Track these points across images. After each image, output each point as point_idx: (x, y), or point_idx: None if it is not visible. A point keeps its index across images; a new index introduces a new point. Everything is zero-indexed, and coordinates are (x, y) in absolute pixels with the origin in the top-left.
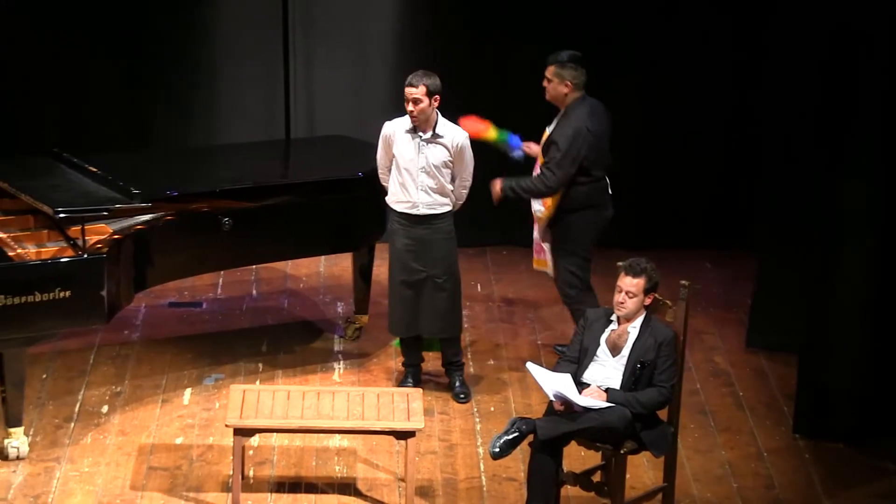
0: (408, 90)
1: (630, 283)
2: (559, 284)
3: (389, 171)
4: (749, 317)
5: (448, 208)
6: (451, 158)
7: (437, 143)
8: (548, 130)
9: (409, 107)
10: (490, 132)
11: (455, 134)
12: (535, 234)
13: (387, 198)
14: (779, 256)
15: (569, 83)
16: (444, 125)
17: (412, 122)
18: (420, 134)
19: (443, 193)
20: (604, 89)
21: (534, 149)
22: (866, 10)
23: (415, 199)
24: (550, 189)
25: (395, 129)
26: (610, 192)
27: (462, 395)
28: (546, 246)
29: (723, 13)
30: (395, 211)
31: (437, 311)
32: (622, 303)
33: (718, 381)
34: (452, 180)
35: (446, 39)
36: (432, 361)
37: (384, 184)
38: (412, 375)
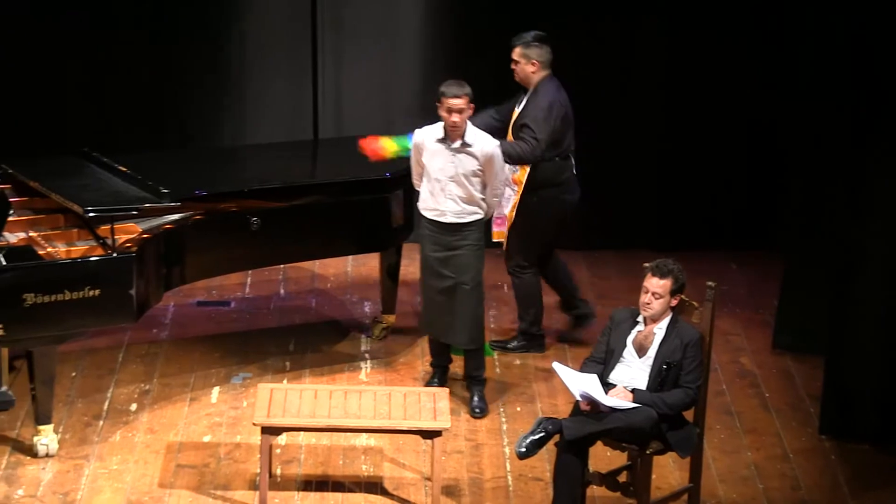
0: (451, 101)
1: (656, 284)
2: (509, 259)
3: (422, 178)
4: (775, 318)
5: (477, 217)
6: (480, 167)
7: (466, 153)
8: (516, 111)
9: (454, 118)
10: (388, 147)
11: (484, 143)
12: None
13: (418, 203)
14: (805, 258)
15: (535, 62)
16: (472, 134)
17: (452, 132)
18: (450, 143)
19: (472, 202)
20: (627, 89)
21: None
22: (893, 8)
23: (443, 207)
24: (536, 155)
25: (425, 138)
26: (575, 172)
27: (478, 410)
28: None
29: (748, 12)
30: (425, 217)
31: (464, 321)
32: (648, 303)
33: (744, 382)
34: (484, 188)
35: (474, 37)
36: (459, 361)
37: (419, 189)
38: (439, 376)
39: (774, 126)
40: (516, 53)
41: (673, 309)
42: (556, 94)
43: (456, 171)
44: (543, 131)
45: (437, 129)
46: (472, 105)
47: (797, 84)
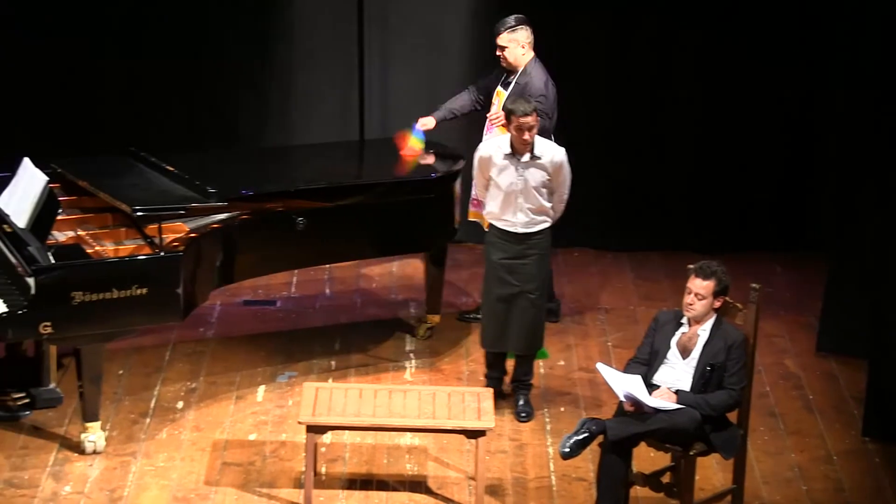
0: (522, 119)
1: (699, 286)
2: None
3: (486, 189)
4: (819, 320)
5: (546, 225)
6: (549, 178)
7: (536, 166)
8: (504, 93)
9: (525, 136)
10: (415, 145)
11: (553, 152)
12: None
13: (484, 212)
14: (848, 260)
15: (524, 45)
16: (540, 146)
17: (523, 147)
18: (518, 157)
19: (541, 212)
20: (667, 91)
21: (428, 124)
22: None
23: (514, 219)
24: (550, 132)
25: (493, 154)
26: None
27: (524, 415)
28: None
29: (788, 12)
30: (493, 226)
31: (526, 328)
32: (691, 304)
33: (788, 384)
34: (551, 195)
35: None
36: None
37: (481, 199)
38: (493, 388)
39: (820, 127)
40: (504, 39)
41: (717, 311)
42: (546, 72)
43: (526, 185)
44: (551, 108)
45: (503, 144)
46: (538, 119)
47: (842, 84)
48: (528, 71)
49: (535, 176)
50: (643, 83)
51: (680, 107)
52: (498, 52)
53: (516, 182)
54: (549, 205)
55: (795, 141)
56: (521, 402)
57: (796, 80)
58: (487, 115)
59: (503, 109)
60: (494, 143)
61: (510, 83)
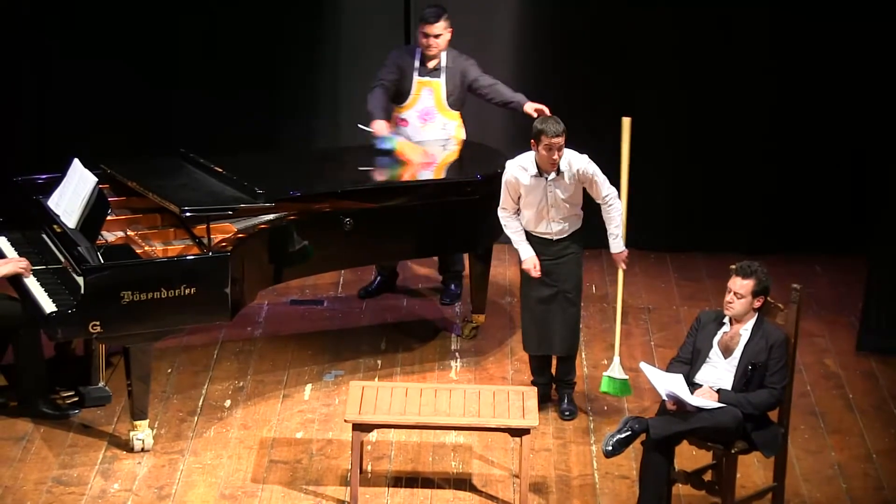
0: (554, 140)
1: (739, 285)
2: None
3: (516, 211)
4: (860, 320)
5: (578, 226)
6: (578, 187)
7: (561, 179)
8: (434, 80)
9: (555, 156)
10: (403, 150)
11: (577, 163)
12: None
13: (520, 217)
14: (889, 261)
15: (451, 29)
16: (564, 160)
17: (550, 167)
18: (546, 175)
19: (574, 216)
20: (712, 95)
21: (383, 129)
22: None
23: (549, 229)
24: None
25: (518, 176)
26: None
27: (568, 413)
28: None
29: (832, 17)
30: (528, 232)
31: (567, 329)
32: (730, 303)
33: (829, 383)
34: (581, 198)
35: (567, 43)
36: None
37: (506, 222)
38: (541, 394)
39: (860, 128)
40: (439, 28)
41: (758, 310)
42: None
43: (556, 200)
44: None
45: (527, 165)
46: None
47: (885, 86)
48: (449, 54)
49: (564, 190)
50: (687, 86)
51: (723, 111)
52: (429, 41)
53: (546, 198)
54: (580, 206)
55: (837, 141)
56: (564, 401)
57: (842, 83)
58: (401, 107)
59: (535, 128)
60: (517, 164)
61: (436, 69)
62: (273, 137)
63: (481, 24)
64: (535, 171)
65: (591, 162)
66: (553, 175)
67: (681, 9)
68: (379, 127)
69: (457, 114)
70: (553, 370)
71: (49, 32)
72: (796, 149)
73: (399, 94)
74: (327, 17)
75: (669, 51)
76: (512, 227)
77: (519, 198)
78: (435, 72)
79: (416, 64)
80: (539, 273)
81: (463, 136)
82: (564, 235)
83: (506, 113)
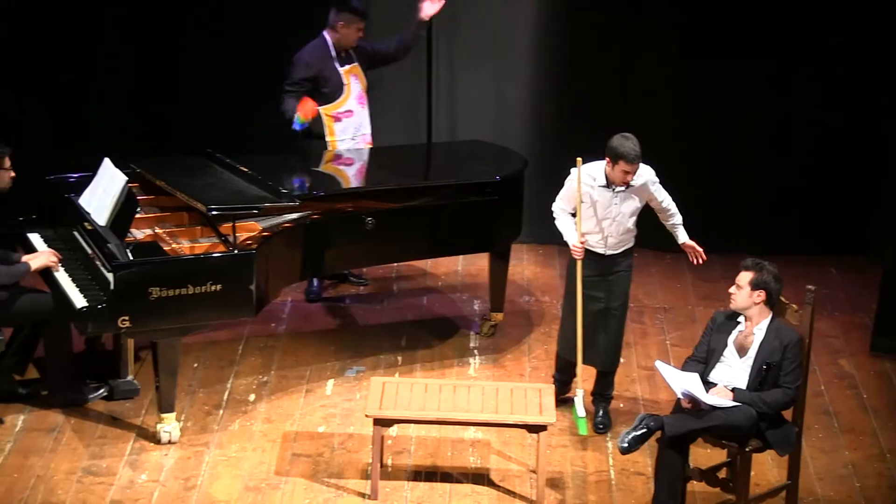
0: (632, 166)
1: (740, 277)
2: None
3: (570, 213)
4: (873, 322)
5: (631, 244)
6: (640, 204)
7: (629, 194)
8: (352, 66)
9: (628, 178)
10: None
11: (644, 176)
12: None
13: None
14: None
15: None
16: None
17: (622, 183)
18: (614, 189)
19: (628, 233)
20: (729, 98)
21: (308, 106)
22: None
23: (602, 244)
24: None
25: (589, 185)
26: None
27: (601, 426)
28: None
29: (843, 19)
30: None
31: (611, 345)
32: (732, 294)
33: (843, 383)
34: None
35: (587, 46)
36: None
37: (559, 214)
38: (558, 388)
39: (875, 131)
40: (362, 26)
41: (772, 310)
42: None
43: (620, 212)
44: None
45: (597, 174)
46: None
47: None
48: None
49: (630, 205)
50: (700, 86)
51: (741, 113)
52: (361, 34)
53: (610, 210)
54: (635, 227)
55: (852, 143)
56: (600, 414)
57: (857, 85)
58: (339, 101)
59: (612, 148)
60: (585, 172)
61: (349, 56)
62: (298, 139)
63: (498, 26)
64: (603, 181)
65: (655, 175)
66: (622, 189)
67: (687, 13)
68: (306, 108)
69: None
70: (592, 383)
71: (93, 35)
72: (812, 150)
73: (324, 92)
74: None
75: (679, 51)
76: (563, 219)
77: (580, 204)
78: (349, 57)
79: (333, 54)
80: (582, 254)
81: None
82: (617, 251)
83: (524, 119)
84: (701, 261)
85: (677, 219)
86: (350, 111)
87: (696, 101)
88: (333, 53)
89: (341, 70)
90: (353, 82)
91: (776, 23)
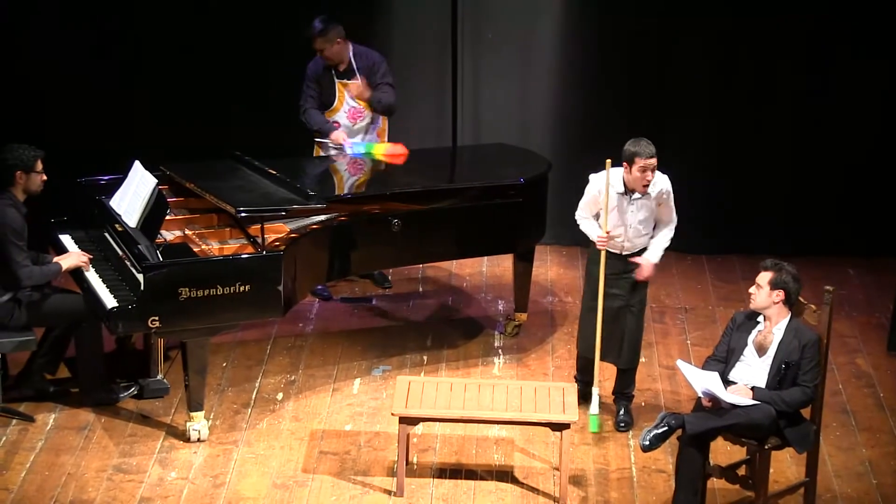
0: (648, 161)
1: (760, 276)
2: None
3: (590, 213)
4: (890, 322)
5: (649, 244)
6: (657, 206)
7: (645, 200)
8: (352, 82)
9: (649, 176)
10: (389, 150)
11: (660, 183)
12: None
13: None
14: None
15: (340, 38)
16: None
17: (643, 189)
18: (631, 195)
19: (646, 237)
20: (751, 102)
21: (337, 137)
22: None
23: (622, 245)
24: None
25: (603, 192)
26: None
27: (623, 425)
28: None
29: (854, 20)
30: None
31: (630, 343)
32: (752, 294)
33: (860, 382)
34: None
35: (610, 50)
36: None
37: (581, 222)
38: (581, 389)
39: (892, 132)
40: (320, 43)
41: (786, 307)
42: (372, 49)
43: (636, 218)
44: (392, 78)
45: (615, 181)
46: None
47: None
48: (359, 54)
49: (645, 211)
50: (723, 90)
51: (760, 116)
52: (322, 54)
53: (627, 217)
54: (652, 231)
55: (872, 145)
56: (621, 412)
57: (882, 88)
58: (328, 111)
59: (627, 151)
60: (603, 180)
61: (349, 70)
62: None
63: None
64: (621, 188)
65: (669, 181)
66: (639, 195)
67: (712, 20)
68: (338, 136)
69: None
70: (613, 381)
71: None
72: (830, 153)
73: (324, 102)
74: (380, 31)
75: (703, 61)
76: (587, 222)
77: (597, 214)
78: (349, 73)
79: (330, 70)
80: (608, 244)
81: (385, 126)
82: (634, 251)
83: (548, 122)
84: (640, 277)
85: (666, 236)
86: (337, 122)
87: (719, 106)
88: (329, 69)
89: (336, 82)
90: (347, 97)
91: (811, 32)
